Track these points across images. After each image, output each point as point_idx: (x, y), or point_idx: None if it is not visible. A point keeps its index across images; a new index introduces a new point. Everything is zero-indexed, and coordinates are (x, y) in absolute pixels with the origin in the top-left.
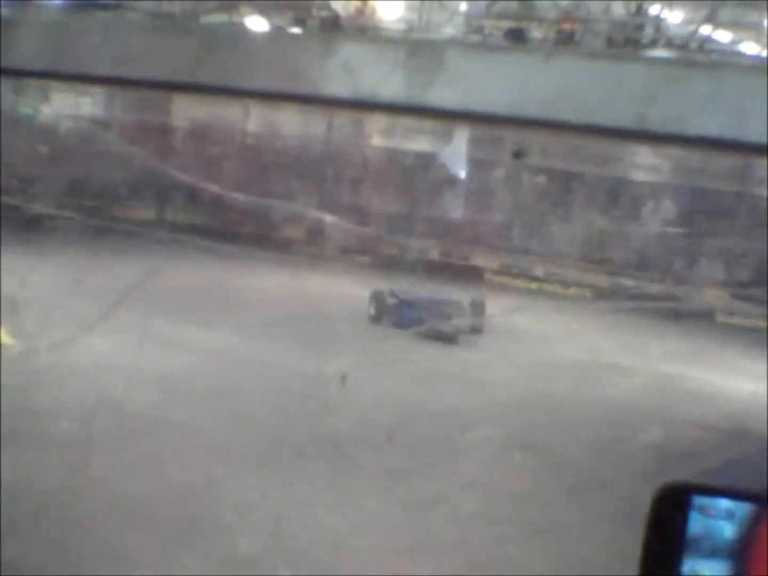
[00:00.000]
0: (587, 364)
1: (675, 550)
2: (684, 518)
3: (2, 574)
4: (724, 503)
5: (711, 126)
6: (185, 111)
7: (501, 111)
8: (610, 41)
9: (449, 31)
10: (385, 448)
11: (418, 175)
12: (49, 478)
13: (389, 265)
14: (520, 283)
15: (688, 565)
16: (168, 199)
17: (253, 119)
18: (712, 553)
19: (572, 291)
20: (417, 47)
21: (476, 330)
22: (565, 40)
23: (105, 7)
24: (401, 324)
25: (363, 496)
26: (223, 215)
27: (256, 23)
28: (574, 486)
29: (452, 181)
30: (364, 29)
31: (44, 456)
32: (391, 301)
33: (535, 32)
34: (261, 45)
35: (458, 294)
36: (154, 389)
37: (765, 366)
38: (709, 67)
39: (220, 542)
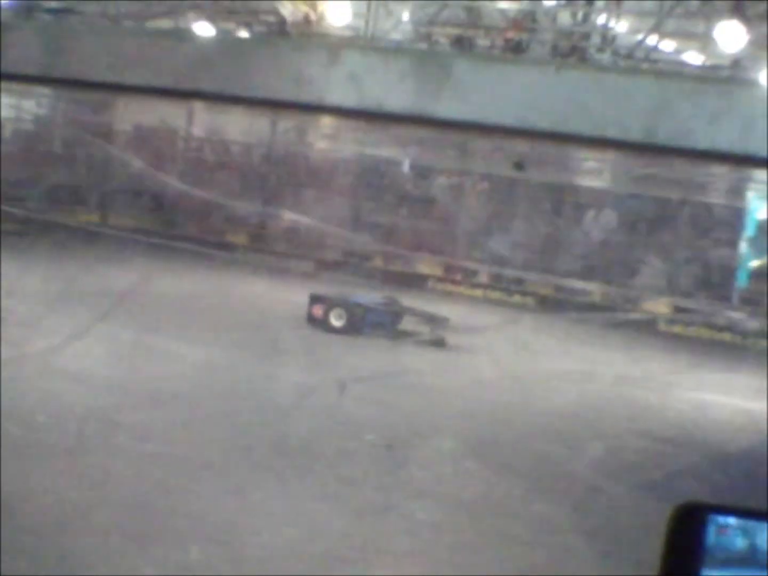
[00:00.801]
0: (537, 373)
1: (692, 569)
2: (700, 537)
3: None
4: (740, 521)
5: (720, 140)
6: (129, 114)
7: (509, 123)
8: (555, 49)
9: (396, 37)
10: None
11: (365, 181)
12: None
13: (330, 269)
14: (463, 290)
15: None
16: (110, 202)
17: (197, 122)
18: (728, 568)
19: (516, 298)
20: (423, 58)
21: (438, 343)
22: (512, 49)
23: (49, 11)
24: (357, 330)
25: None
26: (166, 218)
27: (203, 28)
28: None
29: (401, 188)
30: (310, 35)
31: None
32: (344, 305)
33: (482, 40)
34: (262, 52)
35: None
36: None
37: (712, 376)
38: (717, 82)
39: None
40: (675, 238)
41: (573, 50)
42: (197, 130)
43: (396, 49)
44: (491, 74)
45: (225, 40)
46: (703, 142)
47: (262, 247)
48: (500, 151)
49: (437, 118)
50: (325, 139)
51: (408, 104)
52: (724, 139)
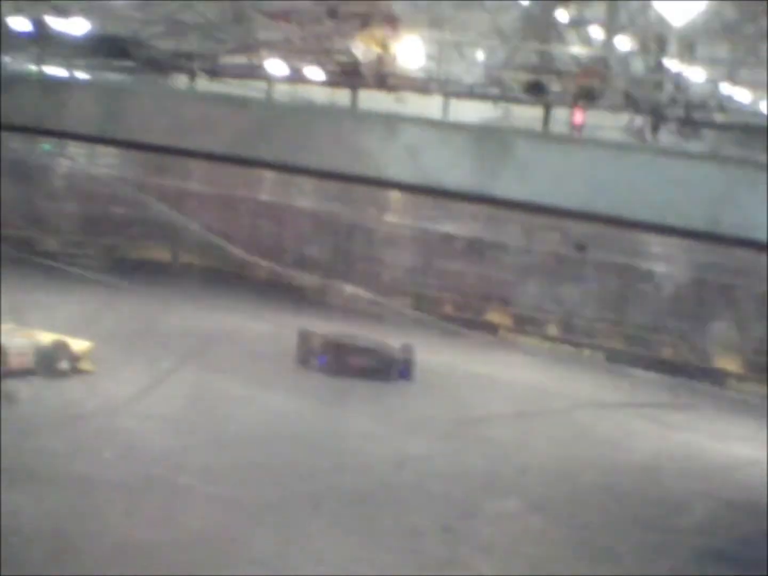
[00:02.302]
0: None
1: None
2: None
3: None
4: None
5: None
6: (202, 176)
7: (569, 205)
8: (628, 97)
9: (468, 80)
10: None
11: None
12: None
13: (404, 321)
14: (533, 341)
15: None
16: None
17: (267, 189)
18: None
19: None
20: (483, 134)
21: (405, 375)
22: (585, 95)
23: (125, 52)
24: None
25: None
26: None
27: (275, 66)
28: None
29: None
30: (383, 77)
31: None
32: (319, 343)
33: (555, 86)
34: (320, 122)
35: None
36: None
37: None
38: None
39: None
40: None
41: (644, 98)
42: (264, 196)
43: (455, 125)
44: (552, 154)
45: (284, 107)
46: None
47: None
48: (562, 231)
49: (496, 197)
50: (389, 212)
51: (467, 181)
52: None
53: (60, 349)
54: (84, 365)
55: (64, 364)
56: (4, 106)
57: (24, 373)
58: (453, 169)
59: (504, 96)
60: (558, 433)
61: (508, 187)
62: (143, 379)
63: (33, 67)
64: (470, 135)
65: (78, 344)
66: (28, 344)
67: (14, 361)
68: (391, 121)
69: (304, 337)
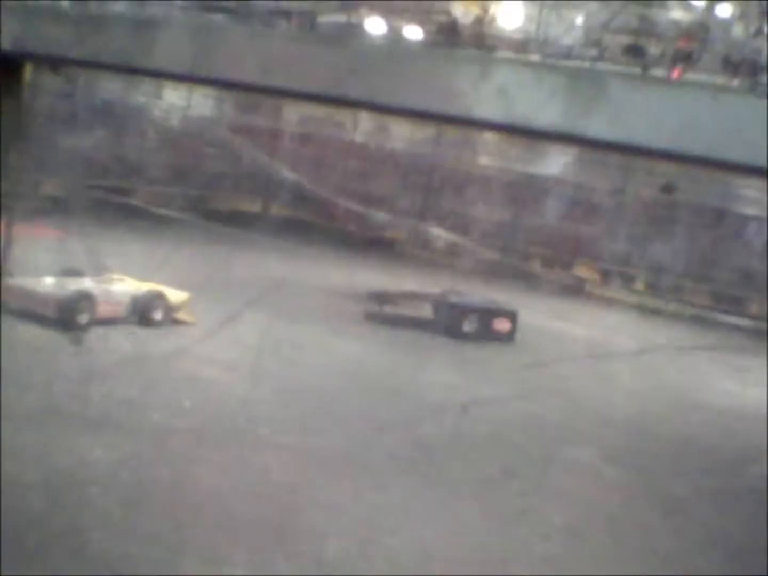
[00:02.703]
0: None
1: None
2: None
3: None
4: None
5: None
6: (293, 115)
7: (661, 146)
8: (726, 62)
9: (566, 42)
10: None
11: (521, 192)
12: None
13: (486, 271)
14: (619, 295)
15: None
16: (273, 195)
17: (361, 128)
18: None
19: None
20: (577, 75)
21: (509, 338)
22: (683, 59)
23: (223, 9)
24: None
25: None
26: (327, 214)
27: (375, 24)
28: None
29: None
30: (481, 37)
31: None
32: (441, 304)
33: (654, 49)
34: (414, 62)
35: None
36: None
37: None
38: None
39: None
40: None
41: (742, 62)
42: (359, 137)
43: (549, 65)
44: (646, 95)
45: (376, 47)
46: None
47: (417, 247)
48: (651, 173)
49: (586, 137)
50: (484, 155)
51: (558, 121)
52: None
53: (155, 299)
54: (182, 316)
55: (158, 315)
56: (95, 45)
57: (114, 322)
58: (544, 109)
59: (601, 57)
60: (629, 375)
61: (599, 127)
62: (233, 331)
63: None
64: (564, 75)
65: (175, 295)
66: (120, 293)
67: (103, 310)
68: (484, 62)
69: (378, 297)
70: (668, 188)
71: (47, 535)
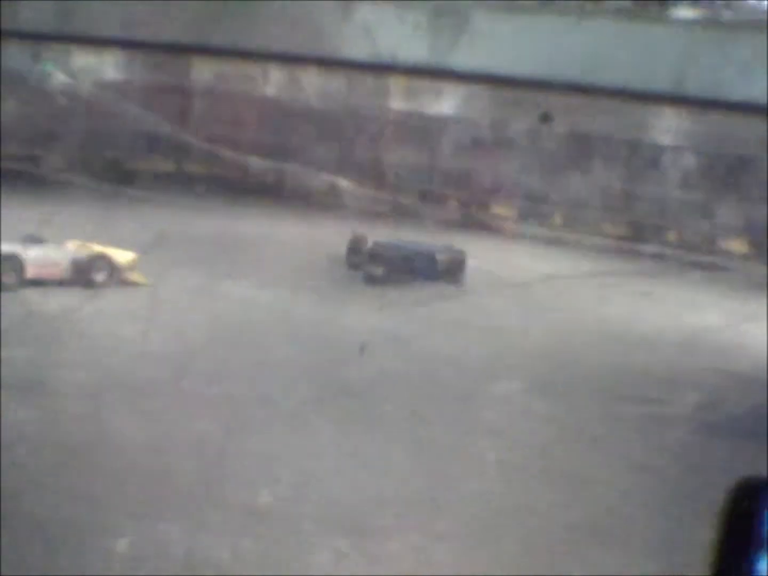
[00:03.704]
0: None
1: (750, 549)
2: (760, 515)
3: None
4: None
5: (752, 91)
6: (203, 73)
7: (529, 74)
8: None
9: None
10: None
11: (436, 136)
12: None
13: (404, 215)
14: (539, 231)
15: (763, 565)
16: (185, 156)
17: (272, 81)
18: None
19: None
20: (440, 9)
21: (457, 282)
22: None
23: None
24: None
25: None
26: (240, 171)
27: None
28: None
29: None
30: None
31: None
32: (369, 250)
33: None
34: (279, 7)
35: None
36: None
37: None
38: (748, 29)
39: None
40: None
41: None
42: (271, 89)
43: (410, 2)
44: (510, 24)
45: None
46: (734, 94)
47: (334, 198)
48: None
49: (453, 71)
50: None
51: (424, 56)
52: (757, 89)
53: (96, 260)
54: (132, 277)
55: (100, 276)
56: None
57: (54, 283)
58: (408, 44)
59: (510, 6)
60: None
61: (465, 60)
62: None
63: None
64: (426, 10)
65: (121, 255)
66: (59, 256)
67: (34, 272)
68: (346, 2)
69: (356, 241)
70: (545, 117)
71: None
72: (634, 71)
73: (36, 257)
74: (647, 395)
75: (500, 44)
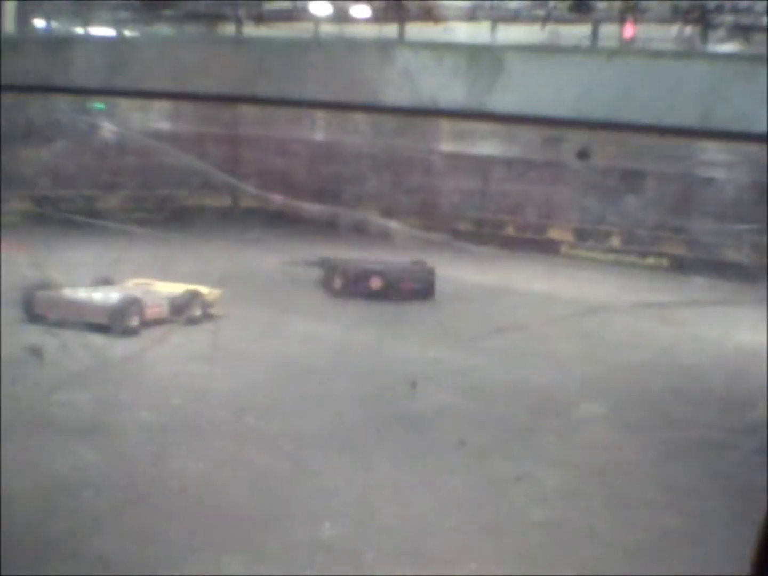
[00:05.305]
0: None
1: None
2: None
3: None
4: None
5: None
6: (250, 123)
7: (563, 114)
8: (675, 8)
9: (513, 5)
10: None
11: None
12: None
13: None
14: (595, 255)
15: None
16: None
17: (319, 129)
18: None
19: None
20: (476, 52)
21: (428, 294)
22: (631, 9)
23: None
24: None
25: None
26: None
27: (320, 7)
28: None
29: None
30: (428, 8)
31: None
32: (335, 268)
33: (601, 3)
34: (317, 54)
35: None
36: None
37: None
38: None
39: None
40: None
41: (691, 9)
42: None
43: (448, 45)
44: (542, 65)
45: (279, 42)
46: (759, 126)
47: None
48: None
49: (490, 112)
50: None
51: (460, 99)
52: None
53: (192, 297)
54: (216, 311)
55: (197, 311)
56: (10, 67)
57: (160, 323)
58: (446, 88)
59: (549, 17)
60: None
61: (500, 101)
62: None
63: (80, 30)
64: (463, 54)
65: (209, 292)
66: (160, 296)
67: (150, 313)
68: (384, 47)
69: (329, 266)
70: (582, 154)
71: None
72: (664, 108)
73: (147, 298)
74: (704, 420)
75: (534, 85)
